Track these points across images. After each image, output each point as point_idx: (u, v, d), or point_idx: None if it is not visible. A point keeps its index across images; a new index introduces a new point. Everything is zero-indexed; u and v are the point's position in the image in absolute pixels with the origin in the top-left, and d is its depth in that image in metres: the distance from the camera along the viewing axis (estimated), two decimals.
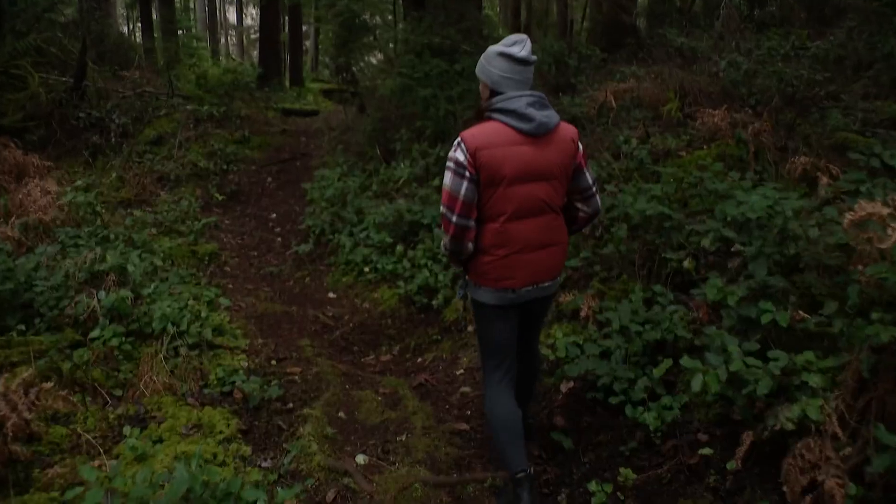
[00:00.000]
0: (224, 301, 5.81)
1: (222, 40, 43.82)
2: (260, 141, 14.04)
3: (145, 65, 15.32)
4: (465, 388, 4.71)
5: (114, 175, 9.99)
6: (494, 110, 3.08)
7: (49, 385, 4.00)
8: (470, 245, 3.14)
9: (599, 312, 4.84)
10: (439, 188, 7.47)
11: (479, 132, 3.04)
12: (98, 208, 7.63)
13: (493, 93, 3.14)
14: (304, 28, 29.79)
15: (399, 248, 6.54)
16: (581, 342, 4.68)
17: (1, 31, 15.23)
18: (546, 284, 3.25)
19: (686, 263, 4.97)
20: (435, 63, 9.30)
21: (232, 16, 46.06)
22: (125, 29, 32.92)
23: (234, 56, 40.45)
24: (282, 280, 7.07)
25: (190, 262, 7.39)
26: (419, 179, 7.98)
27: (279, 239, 8.47)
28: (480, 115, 3.21)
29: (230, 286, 6.90)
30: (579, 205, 3.34)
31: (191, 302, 5.58)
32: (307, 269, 7.19)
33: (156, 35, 20.52)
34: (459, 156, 3.01)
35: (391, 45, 10.28)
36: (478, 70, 3.22)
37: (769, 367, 3.45)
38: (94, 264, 5.89)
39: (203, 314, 5.47)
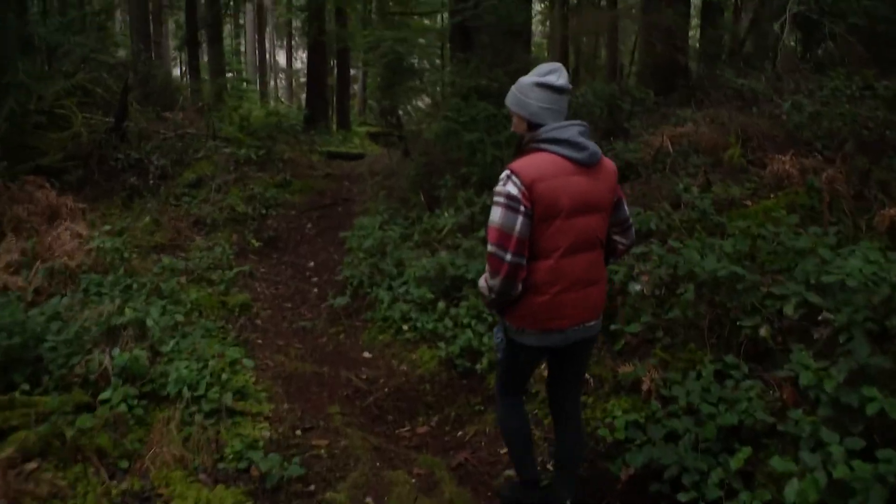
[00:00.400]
0: (248, 362, 5.31)
1: (272, 83, 44.31)
2: (302, 185, 13.71)
3: (189, 106, 15.16)
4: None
5: (148, 218, 9.67)
6: (543, 140, 2.95)
7: (33, 466, 3.51)
8: (520, 286, 2.93)
9: (664, 386, 4.29)
10: (485, 240, 7.02)
11: (529, 163, 2.90)
12: (125, 254, 7.26)
13: (532, 125, 3.02)
14: (352, 72, 29.87)
15: (441, 304, 6.01)
16: (643, 421, 4.14)
17: (49, 72, 15.30)
18: (592, 324, 3.12)
19: (762, 331, 4.40)
20: (482, 106, 8.87)
21: (282, 59, 46.57)
22: (177, 71, 33.31)
23: (282, 99, 40.77)
24: (315, 336, 6.58)
25: (219, 313, 6.95)
26: (464, 229, 7.47)
27: (315, 290, 8.01)
28: (521, 148, 3.07)
29: (259, 341, 6.44)
30: (618, 237, 3.24)
31: (212, 361, 5.10)
32: (342, 325, 6.69)
33: (205, 77, 20.55)
34: (512, 189, 2.85)
35: (437, 88, 9.88)
36: (511, 102, 3.09)
37: (880, 469, 2.86)
38: (112, 317, 5.47)
39: (225, 376, 5.00)
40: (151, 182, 11.01)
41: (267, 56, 43.45)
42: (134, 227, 9.50)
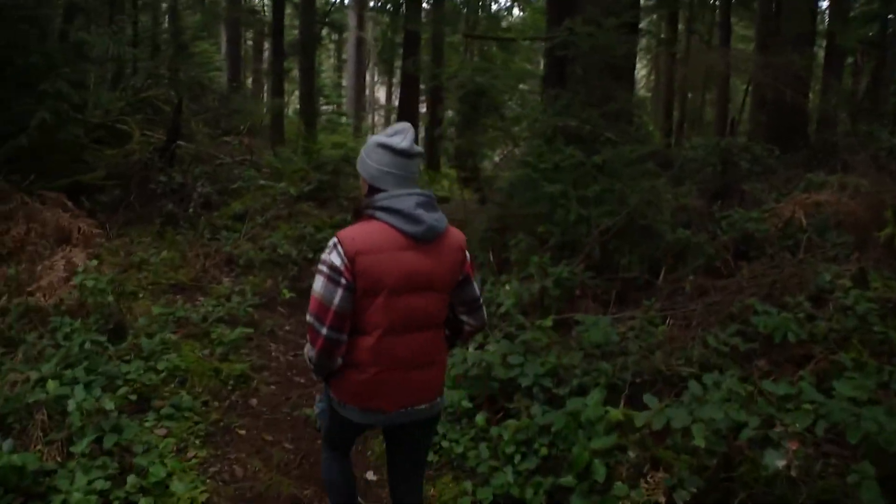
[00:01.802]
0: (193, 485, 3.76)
1: (369, 119, 43.91)
2: None
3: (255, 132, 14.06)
4: None
5: (166, 252, 8.37)
6: (377, 208, 2.68)
7: None
8: (339, 360, 2.73)
9: None
10: (554, 327, 5.33)
11: (358, 233, 2.67)
12: (108, 298, 5.87)
13: (372, 189, 2.77)
14: (449, 113, 28.69)
15: (480, 419, 4.28)
16: None
17: (116, 87, 14.48)
18: (422, 407, 2.84)
19: None
20: (569, 153, 7.22)
21: (383, 96, 46.22)
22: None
23: None
24: (315, 434, 4.97)
25: (210, 384, 5.47)
26: (528, 309, 5.81)
27: None
28: (358, 214, 2.80)
29: (242, 432, 4.90)
30: (465, 317, 2.97)
31: (133, 477, 3.57)
32: None
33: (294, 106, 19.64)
34: (335, 259, 2.63)
35: (518, 128, 8.26)
36: (358, 164, 2.86)
37: None
38: (27, 392, 4.03)
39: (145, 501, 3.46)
40: (191, 210, 9.74)
41: (367, 91, 43.08)
42: (155, 260, 8.19)
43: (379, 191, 2.72)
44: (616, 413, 3.65)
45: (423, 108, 25.14)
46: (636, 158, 7.46)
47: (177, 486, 3.69)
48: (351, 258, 2.60)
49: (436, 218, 2.70)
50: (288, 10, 23.61)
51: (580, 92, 8.13)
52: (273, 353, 6.47)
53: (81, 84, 11.10)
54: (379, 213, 2.67)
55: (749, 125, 15.79)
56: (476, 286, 2.95)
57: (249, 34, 31.20)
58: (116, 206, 9.64)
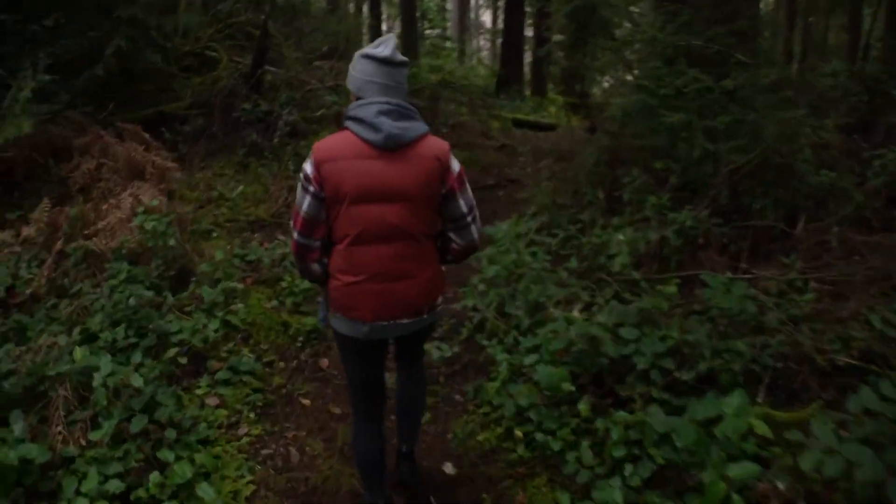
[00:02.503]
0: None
1: (473, 44, 42.63)
2: (465, 157, 11.45)
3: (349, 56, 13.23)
4: None
5: (242, 187, 7.78)
6: (347, 118, 2.72)
7: None
8: (315, 266, 2.82)
9: None
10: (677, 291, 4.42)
11: (327, 142, 2.71)
12: (170, 241, 5.28)
13: (358, 101, 2.75)
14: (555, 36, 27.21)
15: (583, 406, 3.43)
16: None
17: (206, 12, 13.92)
18: (405, 322, 2.81)
19: None
20: (693, 76, 6.13)
21: (487, 19, 44.72)
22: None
23: (485, 61, 38.81)
24: (391, 404, 4.29)
25: (278, 340, 4.86)
26: (644, 260, 4.90)
27: None
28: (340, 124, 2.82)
29: (306, 401, 4.26)
30: (452, 234, 2.90)
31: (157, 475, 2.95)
32: (437, 394, 4.32)
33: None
34: (307, 167, 2.70)
35: (633, 50, 7.11)
36: (347, 80, 2.85)
37: None
38: (49, 363, 3.45)
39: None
40: (276, 140, 9.11)
41: (470, 15, 41.74)
42: (236, 194, 7.64)
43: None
44: (761, 426, 2.76)
45: (529, 33, 23.85)
46: (771, 85, 6.30)
47: (205, 490, 3.04)
48: (316, 166, 2.65)
49: (401, 126, 2.64)
50: None
51: (703, 9, 6.96)
52: None
53: (167, 9, 10.56)
54: (347, 122, 2.70)
55: (884, 51, 13.92)
56: (463, 203, 2.82)
57: None
58: (199, 137, 9.11)
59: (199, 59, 12.18)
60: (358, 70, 2.75)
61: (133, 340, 4.17)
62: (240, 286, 5.26)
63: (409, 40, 20.13)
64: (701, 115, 5.94)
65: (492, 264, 5.01)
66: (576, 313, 4.13)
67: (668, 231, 4.83)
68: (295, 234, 2.76)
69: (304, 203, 2.69)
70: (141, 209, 5.60)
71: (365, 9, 19.41)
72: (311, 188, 2.66)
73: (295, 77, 11.28)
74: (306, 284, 5.32)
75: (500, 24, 38.95)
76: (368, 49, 2.75)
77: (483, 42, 44.80)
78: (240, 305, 5.01)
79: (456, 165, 2.81)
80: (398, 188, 2.66)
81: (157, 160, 7.42)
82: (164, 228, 5.30)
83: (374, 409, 3.10)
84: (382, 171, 2.64)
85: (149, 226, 5.23)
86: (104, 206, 6.25)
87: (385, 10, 39.25)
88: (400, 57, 2.74)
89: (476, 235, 2.91)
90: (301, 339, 4.90)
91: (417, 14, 24.18)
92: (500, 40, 27.78)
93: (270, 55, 12.15)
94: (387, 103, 2.66)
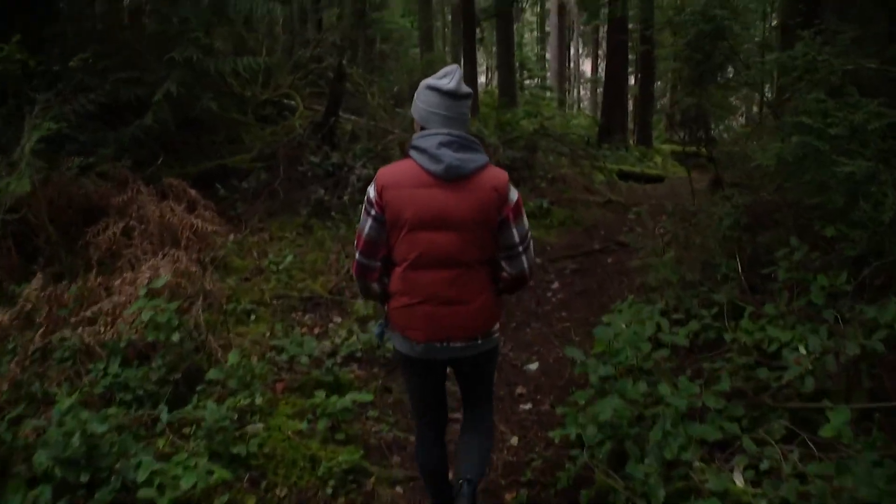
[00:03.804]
0: None
1: (574, 94, 41.48)
2: (566, 215, 10.04)
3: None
4: None
5: (290, 257, 6.58)
6: (411, 147, 2.80)
7: None
8: (375, 286, 2.94)
9: None
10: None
11: (391, 169, 2.83)
12: (173, 336, 4.03)
13: (422, 130, 2.83)
14: (658, 83, 25.64)
15: None
16: None
17: (289, 58, 13.09)
18: (458, 345, 2.86)
19: None
20: (874, 109, 4.58)
21: (588, 69, 43.64)
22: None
23: (585, 111, 37.46)
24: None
25: (301, 480, 3.50)
26: (830, 385, 3.31)
27: (509, 456, 4.18)
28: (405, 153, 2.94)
29: None
30: (503, 262, 2.93)
31: None
32: None
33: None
34: (370, 192, 2.81)
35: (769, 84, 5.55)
36: (411, 109, 2.92)
37: None
38: None
39: None
40: (346, 198, 7.90)
41: (571, 64, 40.62)
42: (287, 263, 6.43)
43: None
44: None
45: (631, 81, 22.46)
46: None
47: None
48: (379, 192, 2.74)
49: (461, 157, 2.71)
50: None
51: (876, 20, 5.42)
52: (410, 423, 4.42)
53: (241, 54, 9.66)
54: (411, 151, 2.78)
55: None
56: (516, 232, 2.83)
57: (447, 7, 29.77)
58: (259, 194, 8.00)
59: (277, 107, 11.29)
60: (422, 100, 2.81)
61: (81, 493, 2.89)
62: (262, 398, 3.93)
63: (508, 90, 19.03)
64: (888, 161, 4.38)
65: (602, 364, 3.55)
66: (736, 478, 2.62)
67: (873, 341, 3.23)
68: (357, 255, 2.87)
69: (367, 225, 2.80)
70: (143, 290, 4.38)
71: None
72: (374, 212, 2.77)
73: (377, 126, 10.18)
74: (347, 403, 3.92)
75: (600, 73, 37.63)
76: (433, 80, 2.81)
77: (583, 92, 43.63)
78: (258, 427, 3.69)
79: (514, 196, 2.83)
80: (455, 218, 2.73)
81: (199, 222, 6.29)
82: (169, 317, 4.06)
83: (435, 422, 3.14)
84: (441, 201, 2.71)
85: (146, 315, 3.99)
86: (117, 282, 5.10)
87: (484, 60, 38.66)
88: (464, 89, 2.79)
89: (527, 266, 2.93)
90: (333, 482, 3.52)
91: (516, 64, 23.15)
92: (600, 89, 26.48)
93: (351, 102, 11.15)
94: (448, 135, 2.73)
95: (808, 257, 4.49)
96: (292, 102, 11.18)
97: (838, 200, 4.38)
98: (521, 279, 2.97)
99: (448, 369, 3.09)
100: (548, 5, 34.68)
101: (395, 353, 3.03)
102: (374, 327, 3.32)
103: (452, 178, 2.71)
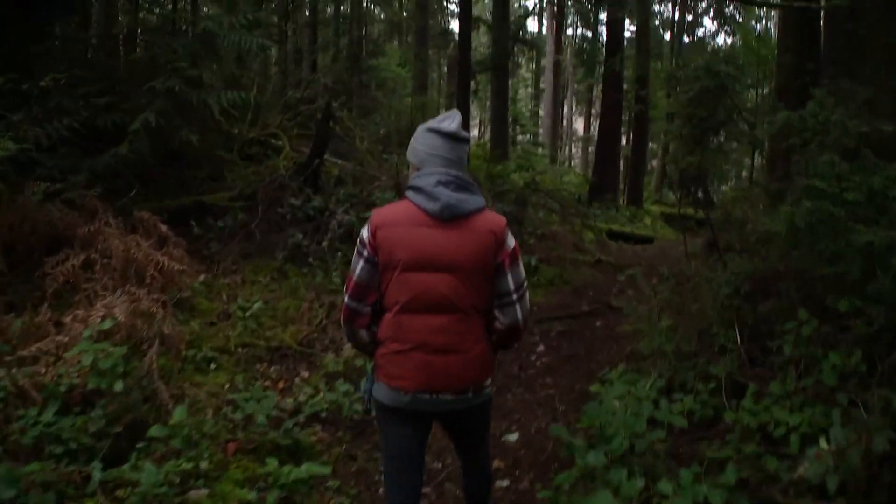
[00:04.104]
0: None
1: (566, 151, 41.65)
2: (554, 274, 9.71)
3: None
4: None
5: (260, 304, 6.19)
6: (408, 187, 2.74)
7: None
8: (363, 333, 2.80)
9: None
10: None
11: (387, 209, 2.78)
12: (116, 385, 3.63)
13: (419, 171, 2.79)
14: (650, 145, 25.67)
15: None
16: None
17: (281, 97, 12.86)
18: (448, 398, 2.70)
19: None
20: (893, 173, 4.32)
21: (579, 127, 43.93)
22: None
23: (576, 169, 37.57)
24: None
25: None
26: (850, 485, 2.93)
27: None
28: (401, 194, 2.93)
29: None
30: (497, 311, 2.80)
31: None
32: None
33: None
34: (364, 232, 2.73)
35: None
36: (408, 153, 2.85)
37: None
38: None
39: None
40: (325, 244, 7.53)
41: (564, 122, 40.85)
42: (254, 309, 6.05)
43: None
44: None
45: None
46: None
47: None
48: (373, 232, 2.67)
49: (458, 198, 2.66)
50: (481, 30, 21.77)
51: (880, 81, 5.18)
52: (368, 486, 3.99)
53: (239, 87, 9.37)
54: (408, 192, 2.72)
55: None
56: (511, 280, 2.74)
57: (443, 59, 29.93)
58: (235, 234, 7.62)
59: (263, 146, 11.00)
60: (421, 143, 2.77)
61: None
62: (209, 461, 3.51)
63: (501, 143, 18.88)
64: None
65: (591, 449, 3.18)
66: None
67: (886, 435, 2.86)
68: (346, 299, 2.77)
69: (358, 267, 2.72)
70: (87, 332, 3.98)
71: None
72: (366, 252, 2.69)
73: (364, 171, 9.88)
74: (302, 474, 3.49)
75: (593, 132, 37.82)
76: (434, 123, 2.79)
77: (575, 150, 43.88)
78: (202, 493, 3.27)
79: (511, 242, 2.76)
80: (450, 259, 2.65)
81: (166, 260, 5.90)
82: (115, 363, 3.65)
83: (409, 489, 2.85)
84: (436, 241, 2.65)
85: (87, 359, 3.58)
86: (68, 318, 4.69)
87: (477, 113, 38.77)
88: (464, 133, 2.78)
89: (521, 316, 2.80)
90: None
91: (509, 118, 23.05)
92: (591, 148, 26.43)
93: (339, 146, 10.88)
94: (446, 174, 2.69)
95: (817, 332, 4.14)
96: (279, 143, 10.90)
97: (855, 271, 4.05)
98: (515, 330, 2.83)
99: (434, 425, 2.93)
100: (543, 62, 35.00)
101: (377, 409, 2.83)
102: (363, 383, 3.03)
103: (449, 217, 2.64)
